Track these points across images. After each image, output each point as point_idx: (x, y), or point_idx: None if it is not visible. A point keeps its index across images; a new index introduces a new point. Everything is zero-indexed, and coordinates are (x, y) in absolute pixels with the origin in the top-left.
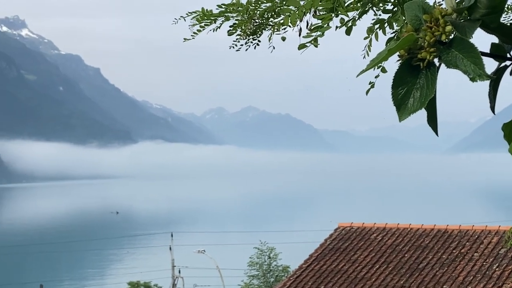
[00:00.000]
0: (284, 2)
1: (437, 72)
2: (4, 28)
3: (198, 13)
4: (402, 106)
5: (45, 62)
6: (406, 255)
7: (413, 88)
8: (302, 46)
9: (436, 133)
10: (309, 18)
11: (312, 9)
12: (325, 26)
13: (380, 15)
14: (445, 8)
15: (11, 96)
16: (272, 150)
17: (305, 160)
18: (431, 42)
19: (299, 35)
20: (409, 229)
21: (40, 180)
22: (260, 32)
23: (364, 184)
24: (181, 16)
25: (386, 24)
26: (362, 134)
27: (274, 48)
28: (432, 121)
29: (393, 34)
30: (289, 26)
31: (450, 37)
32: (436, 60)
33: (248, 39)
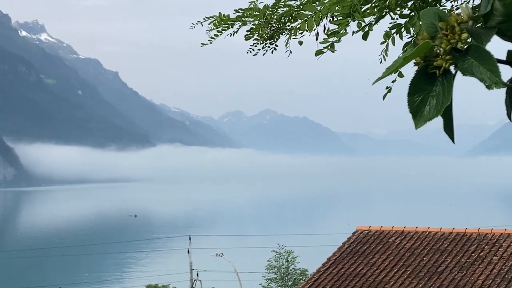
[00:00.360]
0: (301, 7)
1: (453, 79)
2: (24, 33)
3: (215, 18)
4: (418, 114)
5: (64, 66)
6: (424, 258)
7: (429, 96)
8: (319, 52)
9: (453, 141)
10: (326, 22)
11: (329, 14)
12: (341, 31)
13: (396, 19)
14: (461, 15)
15: (30, 100)
16: (290, 153)
17: (323, 163)
18: (447, 50)
19: (316, 39)
20: (427, 233)
21: (59, 184)
22: (277, 37)
23: (382, 187)
24: (198, 21)
25: (403, 29)
26: (381, 137)
27: (291, 52)
28: (449, 128)
29: (410, 39)
30: (306, 31)
31: (466, 44)
32: (452, 68)
33: (265, 44)
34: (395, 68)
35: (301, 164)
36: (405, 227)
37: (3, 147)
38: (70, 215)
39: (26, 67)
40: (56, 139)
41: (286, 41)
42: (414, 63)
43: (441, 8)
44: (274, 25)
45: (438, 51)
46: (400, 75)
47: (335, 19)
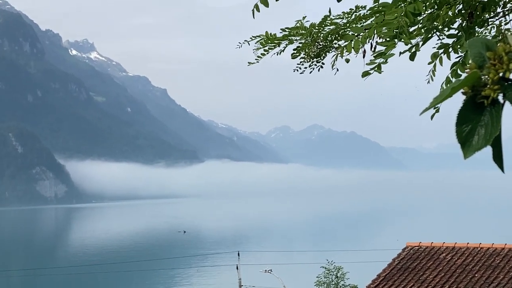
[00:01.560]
0: (347, 25)
1: (502, 109)
2: (74, 52)
3: (262, 37)
4: (467, 144)
5: (114, 84)
6: (476, 275)
7: (477, 126)
8: (365, 74)
9: (502, 170)
10: (374, 40)
11: (376, 35)
12: (388, 53)
13: (443, 39)
14: (508, 45)
15: (81, 118)
16: (338, 169)
17: (371, 178)
18: (495, 80)
19: (363, 57)
20: (479, 249)
21: (109, 200)
22: (324, 55)
23: (432, 202)
24: (245, 40)
25: (450, 49)
26: (430, 151)
27: (338, 70)
28: (498, 158)
29: (458, 59)
30: (352, 52)
31: None
32: (500, 97)
33: (312, 62)
34: (442, 99)
35: (349, 179)
36: (456, 243)
37: (54, 164)
38: (120, 231)
39: (77, 85)
40: (106, 156)
41: (332, 62)
42: (462, 92)
43: (489, 25)
44: (320, 43)
45: (486, 80)
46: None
47: (382, 40)
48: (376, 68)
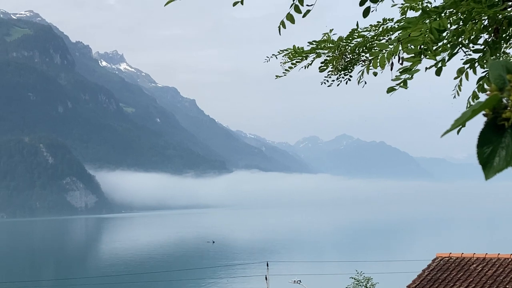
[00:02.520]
0: (375, 37)
1: None
2: (104, 63)
3: (289, 50)
4: (488, 165)
5: (143, 94)
6: (507, 286)
7: (498, 147)
8: (390, 90)
9: None
10: (400, 55)
11: (401, 51)
12: (414, 69)
13: (469, 54)
14: None
15: (111, 129)
16: (367, 179)
17: (401, 188)
18: None
19: (391, 69)
20: (510, 259)
21: (138, 210)
22: (351, 67)
23: (462, 213)
24: (273, 54)
25: (476, 64)
26: (460, 161)
27: (365, 83)
28: None
29: (484, 73)
30: (378, 67)
31: None
32: None
33: (340, 75)
34: (464, 121)
35: (378, 189)
36: (486, 254)
37: (84, 175)
38: (149, 241)
39: (107, 97)
40: (136, 167)
41: (359, 78)
42: (483, 114)
43: (510, 60)
44: (348, 56)
45: (506, 103)
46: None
47: (407, 56)
48: (401, 84)
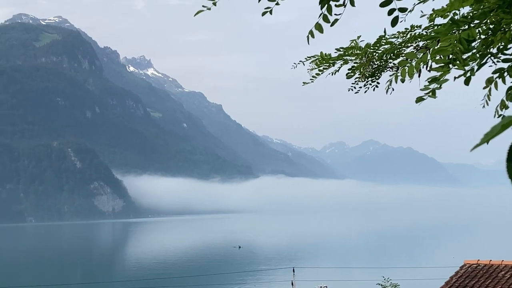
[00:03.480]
0: (402, 44)
1: None
2: (131, 68)
3: (316, 57)
4: None
5: (170, 100)
6: None
7: None
8: (419, 99)
9: None
10: (429, 64)
11: (430, 61)
12: (442, 79)
13: (499, 63)
14: None
15: (138, 134)
16: (394, 184)
17: (428, 194)
18: None
19: (419, 76)
20: None
21: (165, 215)
22: (379, 74)
23: (490, 219)
24: (300, 61)
25: (505, 73)
26: (488, 167)
27: (393, 89)
28: None
29: None
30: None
31: None
32: None
33: (367, 81)
34: (493, 136)
35: (405, 195)
36: None
37: (112, 179)
38: (175, 246)
39: (134, 102)
40: (163, 171)
41: (387, 87)
42: None
43: None
44: (375, 63)
45: None
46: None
47: (435, 66)
48: (430, 94)
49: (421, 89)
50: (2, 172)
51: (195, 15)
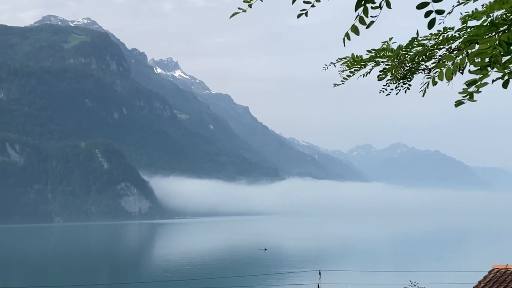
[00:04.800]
0: (435, 46)
1: None
2: (159, 70)
3: (348, 59)
4: None
5: (197, 101)
6: None
7: None
8: (458, 103)
9: None
10: (466, 68)
11: (468, 63)
12: (481, 82)
13: None
14: None
15: (165, 135)
16: (422, 188)
17: (456, 198)
18: None
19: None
20: None
21: (191, 216)
22: (410, 76)
23: None
24: (331, 62)
25: None
26: None
27: (425, 92)
28: None
29: None
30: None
31: None
32: None
33: (399, 83)
34: None
35: (433, 199)
36: None
37: (139, 180)
38: (201, 247)
39: (161, 103)
40: (189, 173)
41: (424, 91)
42: None
43: None
44: (407, 65)
45: None
46: None
47: (474, 68)
48: (468, 97)
49: (459, 92)
50: (31, 173)
51: (230, 17)
